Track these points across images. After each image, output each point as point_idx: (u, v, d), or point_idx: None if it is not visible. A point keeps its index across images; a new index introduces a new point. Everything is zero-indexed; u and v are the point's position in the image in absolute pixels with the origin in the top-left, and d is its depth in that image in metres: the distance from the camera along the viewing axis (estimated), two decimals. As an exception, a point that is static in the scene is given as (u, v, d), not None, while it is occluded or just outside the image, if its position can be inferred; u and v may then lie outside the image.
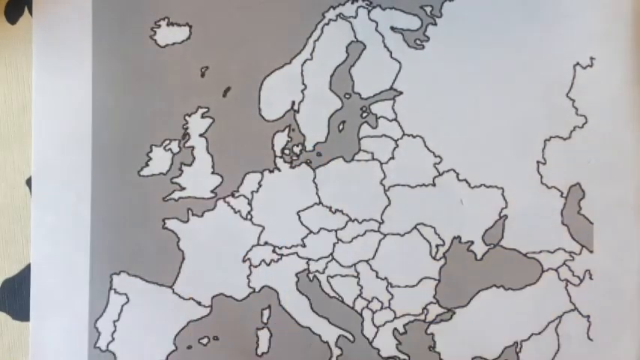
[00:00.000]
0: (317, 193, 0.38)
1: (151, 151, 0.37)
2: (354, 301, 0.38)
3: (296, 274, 0.38)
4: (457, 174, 0.38)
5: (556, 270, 0.38)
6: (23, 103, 0.38)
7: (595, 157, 0.38)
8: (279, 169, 0.38)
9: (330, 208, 0.38)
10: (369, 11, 0.38)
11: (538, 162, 0.38)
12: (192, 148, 0.38)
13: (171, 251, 0.38)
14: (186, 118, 0.37)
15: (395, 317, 0.38)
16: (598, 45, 0.38)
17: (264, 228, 0.38)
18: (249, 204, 0.38)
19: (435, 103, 0.38)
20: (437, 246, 0.38)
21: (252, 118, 0.38)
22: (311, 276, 0.38)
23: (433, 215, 0.38)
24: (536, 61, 0.38)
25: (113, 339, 0.37)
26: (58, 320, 0.37)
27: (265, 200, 0.38)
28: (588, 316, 0.38)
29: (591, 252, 0.38)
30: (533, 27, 0.38)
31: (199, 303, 0.38)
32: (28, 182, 0.37)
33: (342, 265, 0.38)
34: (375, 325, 0.38)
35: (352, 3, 0.38)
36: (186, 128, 0.37)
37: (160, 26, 0.38)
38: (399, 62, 0.38)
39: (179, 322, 0.38)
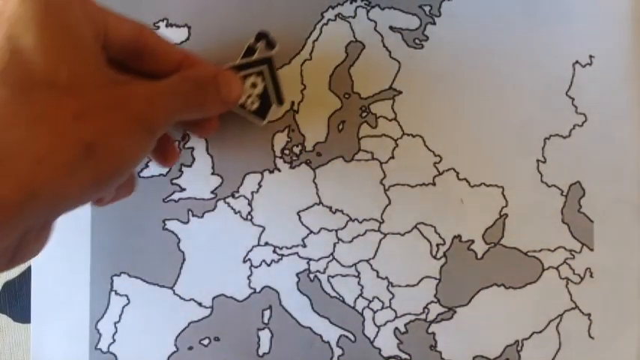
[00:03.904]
0: (317, 193, 0.38)
1: (150, 152, 0.37)
2: (355, 300, 0.38)
3: (297, 274, 0.38)
4: (457, 173, 0.38)
5: (557, 268, 0.38)
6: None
7: (595, 155, 0.38)
8: (279, 170, 0.38)
9: (330, 208, 0.38)
10: (367, 11, 0.38)
11: (538, 160, 0.38)
12: (192, 149, 0.38)
13: (172, 252, 0.38)
14: (186, 119, 0.37)
15: (396, 317, 0.38)
16: (597, 43, 0.38)
17: (264, 228, 0.38)
18: (250, 204, 0.38)
19: (435, 102, 0.38)
20: (437, 245, 0.38)
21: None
22: (312, 276, 0.38)
23: (433, 214, 0.38)
24: (536, 60, 0.38)
25: (114, 340, 0.37)
26: (58, 322, 0.37)
27: (265, 201, 0.38)
28: (589, 314, 0.38)
29: (592, 250, 0.38)
30: (532, 26, 0.38)
31: (200, 304, 0.38)
32: (28, 184, 0.37)
33: (342, 265, 0.38)
34: (376, 325, 0.38)
35: (351, 3, 0.38)
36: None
37: (159, 27, 0.38)
38: (399, 62, 0.38)
39: (180, 323, 0.38)
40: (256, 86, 0.34)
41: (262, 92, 0.35)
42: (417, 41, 0.38)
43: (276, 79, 0.35)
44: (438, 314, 0.38)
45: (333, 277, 0.38)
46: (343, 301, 0.38)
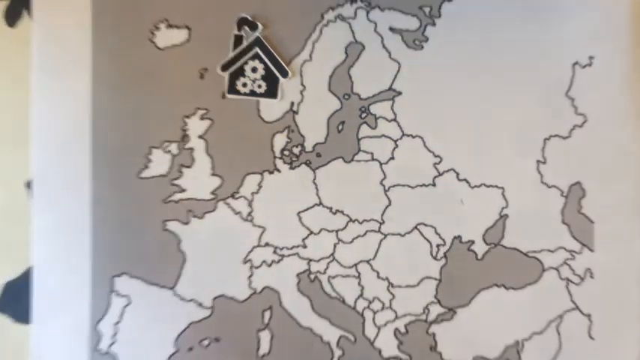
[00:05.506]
0: (317, 194, 0.38)
1: (150, 153, 0.37)
2: (355, 301, 0.38)
3: (297, 275, 0.38)
4: (457, 174, 0.38)
5: (557, 269, 0.38)
6: (23, 106, 0.38)
7: (595, 155, 0.38)
8: (278, 170, 0.38)
9: (330, 209, 0.38)
10: (367, 12, 0.38)
11: (538, 161, 0.38)
12: (192, 149, 0.38)
13: (172, 253, 0.38)
14: (186, 119, 0.38)
15: (396, 317, 0.38)
16: (597, 44, 0.38)
17: (264, 229, 0.38)
18: (250, 205, 0.38)
19: (435, 103, 0.38)
20: (437, 246, 0.38)
21: (251, 119, 0.38)
22: (312, 277, 0.38)
23: (433, 215, 0.38)
24: (536, 61, 0.38)
25: (114, 341, 0.37)
26: (59, 323, 0.37)
27: (265, 201, 0.38)
28: (589, 315, 0.38)
29: (592, 251, 0.38)
30: (532, 26, 0.38)
31: (200, 304, 0.38)
32: (28, 185, 0.37)
33: (343, 266, 0.38)
34: (376, 326, 0.38)
35: (351, 4, 0.38)
36: (186, 130, 0.37)
37: (159, 28, 0.38)
38: (398, 63, 0.38)
39: (180, 324, 0.38)
40: (257, 69, 0.34)
41: (265, 73, 0.35)
42: (416, 42, 0.38)
43: (273, 55, 0.35)
44: (438, 315, 0.38)
45: (333, 277, 0.38)
46: (343, 302, 0.38)
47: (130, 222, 0.37)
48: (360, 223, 0.38)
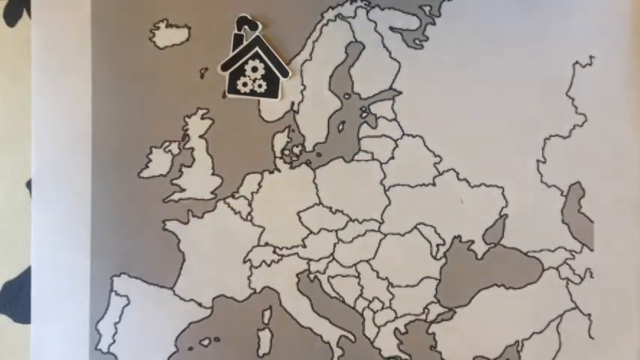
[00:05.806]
0: (317, 194, 0.38)
1: (150, 152, 0.37)
2: (355, 301, 0.38)
3: (297, 275, 0.38)
4: (457, 173, 0.38)
5: (557, 269, 0.38)
6: (22, 106, 0.38)
7: (595, 155, 0.38)
8: (279, 170, 0.38)
9: (330, 209, 0.38)
10: (367, 11, 0.38)
11: (538, 161, 0.38)
12: (192, 149, 0.38)
13: (172, 253, 0.38)
14: (186, 119, 0.37)
15: (396, 317, 0.38)
16: (597, 43, 0.38)
17: (264, 229, 0.38)
18: (250, 205, 0.38)
19: (435, 102, 0.38)
20: (437, 245, 0.38)
21: (251, 119, 0.38)
22: (312, 276, 0.38)
23: (433, 215, 0.38)
24: (536, 60, 0.38)
25: (114, 341, 0.37)
26: (58, 323, 0.37)
27: (265, 201, 0.38)
28: (589, 315, 0.38)
29: (592, 250, 0.38)
30: (532, 26, 0.38)
31: (200, 304, 0.38)
32: (28, 185, 0.37)
33: (342, 266, 0.38)
34: (376, 325, 0.38)
35: (351, 3, 0.38)
36: (186, 129, 0.37)
37: (159, 28, 0.38)
38: (399, 62, 0.38)
39: (180, 324, 0.38)
40: (257, 69, 0.35)
41: (265, 72, 0.35)
42: (417, 41, 0.38)
43: (273, 54, 0.35)
44: (438, 314, 0.38)
45: (333, 277, 0.38)
46: (343, 302, 0.38)
47: (129, 222, 0.37)
48: (360, 223, 0.38)
